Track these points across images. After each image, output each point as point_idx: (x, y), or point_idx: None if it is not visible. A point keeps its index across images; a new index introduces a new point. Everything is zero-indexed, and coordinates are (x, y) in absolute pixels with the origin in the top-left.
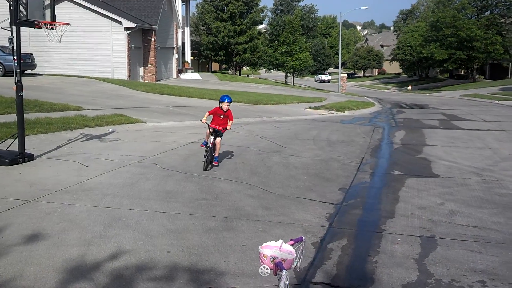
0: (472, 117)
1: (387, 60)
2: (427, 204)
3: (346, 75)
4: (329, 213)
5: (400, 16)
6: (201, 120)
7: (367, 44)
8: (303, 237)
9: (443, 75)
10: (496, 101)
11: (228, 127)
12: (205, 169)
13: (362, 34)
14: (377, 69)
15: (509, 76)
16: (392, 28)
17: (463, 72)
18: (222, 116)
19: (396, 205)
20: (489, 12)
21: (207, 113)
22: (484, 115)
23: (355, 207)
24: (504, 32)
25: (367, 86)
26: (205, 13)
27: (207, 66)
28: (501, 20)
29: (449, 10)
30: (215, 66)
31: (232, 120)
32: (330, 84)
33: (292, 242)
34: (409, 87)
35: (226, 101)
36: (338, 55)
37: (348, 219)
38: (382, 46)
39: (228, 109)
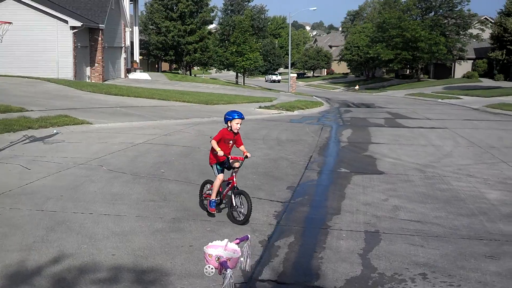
0: (417, 115)
1: (335, 60)
2: (371, 200)
3: (295, 75)
4: (277, 211)
5: (348, 17)
6: (217, 153)
7: (316, 44)
8: (249, 236)
9: (389, 74)
10: (440, 100)
11: (248, 155)
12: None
13: (311, 35)
14: (325, 69)
15: (452, 75)
16: (340, 29)
17: (408, 72)
18: (231, 141)
19: (342, 201)
20: (433, 13)
21: (214, 141)
22: (428, 113)
23: (303, 204)
24: (447, 33)
25: (316, 86)
26: (154, 12)
27: (156, 66)
28: (445, 21)
29: (395, 11)
30: (164, 66)
31: (243, 144)
32: (280, 84)
33: (237, 241)
34: (357, 87)
35: (237, 117)
36: (288, 56)
37: (295, 217)
38: (330, 46)
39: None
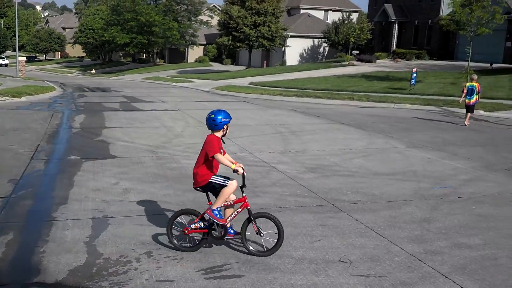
0: (152, 98)
1: (69, 43)
2: (101, 185)
3: (25, 58)
4: None
5: None
6: (236, 171)
7: (48, 26)
8: None
9: (126, 58)
10: (174, 83)
11: (241, 165)
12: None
13: (43, 16)
14: (59, 52)
15: (186, 60)
16: (73, 10)
17: (144, 56)
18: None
19: (70, 190)
20: None
21: (221, 155)
22: (162, 96)
23: (26, 197)
24: (180, 19)
25: (49, 70)
26: None
27: None
28: (177, 7)
29: None
30: None
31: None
32: (8, 68)
33: None
34: (93, 71)
35: (227, 119)
36: (16, 37)
37: (16, 212)
38: (64, 28)
39: None
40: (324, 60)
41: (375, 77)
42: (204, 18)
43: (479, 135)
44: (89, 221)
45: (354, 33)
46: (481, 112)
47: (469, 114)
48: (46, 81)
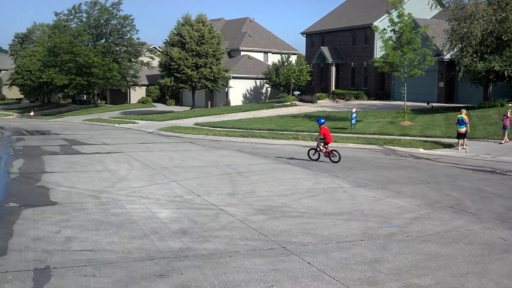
0: (93, 141)
1: (6, 85)
2: (43, 234)
3: None
4: None
5: (16, 39)
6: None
7: None
8: None
9: (66, 100)
10: (117, 125)
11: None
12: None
13: None
14: None
15: (129, 101)
16: (9, 51)
17: (85, 97)
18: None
19: (10, 240)
20: (104, 40)
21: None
22: (104, 138)
23: None
24: (119, 60)
25: None
26: None
27: None
28: (116, 48)
29: (66, 36)
30: None
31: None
32: None
33: None
34: (31, 113)
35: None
36: None
37: None
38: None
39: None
40: (267, 101)
41: (318, 117)
42: (144, 59)
43: (420, 172)
44: (30, 273)
45: (294, 74)
46: (421, 150)
47: (460, 141)
48: None
